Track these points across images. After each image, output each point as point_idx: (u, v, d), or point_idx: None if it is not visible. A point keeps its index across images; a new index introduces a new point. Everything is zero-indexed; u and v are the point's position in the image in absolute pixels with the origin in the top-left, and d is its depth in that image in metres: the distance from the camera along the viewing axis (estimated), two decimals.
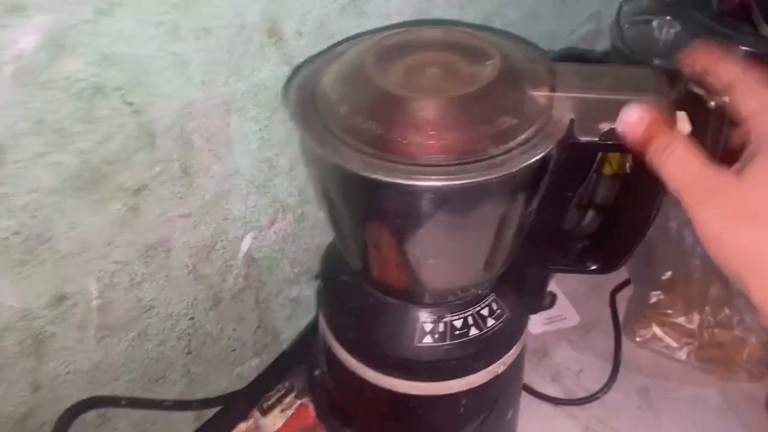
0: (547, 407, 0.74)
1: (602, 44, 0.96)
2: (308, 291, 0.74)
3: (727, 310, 0.74)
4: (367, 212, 0.44)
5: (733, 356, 0.75)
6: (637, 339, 0.79)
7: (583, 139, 0.43)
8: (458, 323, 0.49)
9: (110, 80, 0.46)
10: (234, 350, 0.71)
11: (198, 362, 0.67)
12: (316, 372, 0.59)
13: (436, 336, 0.49)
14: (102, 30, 0.44)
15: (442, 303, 0.49)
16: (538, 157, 0.40)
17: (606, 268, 0.52)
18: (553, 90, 0.43)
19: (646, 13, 0.92)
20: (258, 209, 0.63)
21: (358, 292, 0.50)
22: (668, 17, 0.85)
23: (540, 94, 0.42)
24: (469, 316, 0.49)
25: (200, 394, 0.69)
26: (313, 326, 0.70)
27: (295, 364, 0.63)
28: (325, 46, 0.59)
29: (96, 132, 0.48)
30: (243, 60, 0.54)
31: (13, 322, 0.50)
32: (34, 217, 0.47)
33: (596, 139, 0.43)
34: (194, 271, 0.62)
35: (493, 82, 0.41)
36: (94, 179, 0.49)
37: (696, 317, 0.76)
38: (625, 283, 0.85)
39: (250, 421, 0.62)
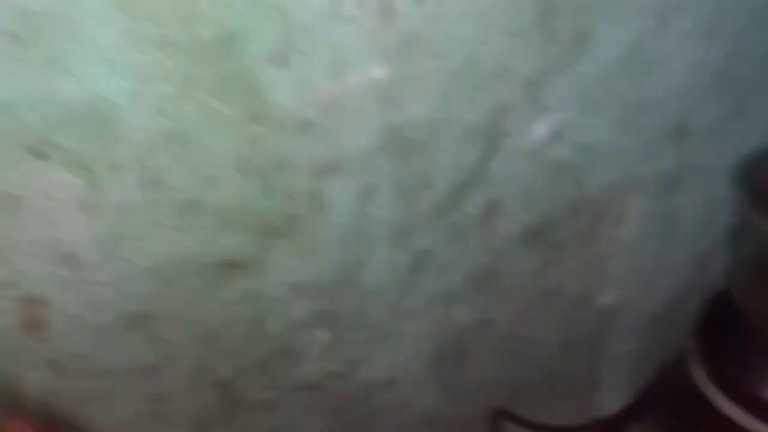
0: None
1: None
2: (641, 347, 0.84)
3: None
4: None
5: None
6: None
7: None
8: None
9: (572, 161, 0.61)
10: (569, 388, 0.82)
11: (544, 392, 0.80)
12: (674, 420, 0.68)
13: None
14: (584, 125, 0.59)
15: None
16: None
17: None
18: None
19: None
20: (622, 272, 0.75)
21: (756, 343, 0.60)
22: None
23: None
24: None
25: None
26: (662, 378, 0.79)
27: (646, 413, 0.72)
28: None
29: (549, 199, 0.62)
30: (651, 151, 0.67)
31: (454, 336, 0.65)
32: (494, 257, 0.63)
33: None
34: (566, 318, 0.74)
35: None
36: (535, 233, 0.64)
37: None
38: None
39: None
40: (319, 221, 0.51)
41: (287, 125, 0.46)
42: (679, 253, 0.77)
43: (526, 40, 0.51)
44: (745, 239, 0.59)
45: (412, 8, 0.45)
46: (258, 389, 0.58)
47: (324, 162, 0.48)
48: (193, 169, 0.44)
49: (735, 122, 0.70)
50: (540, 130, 0.56)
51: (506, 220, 0.61)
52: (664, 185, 0.70)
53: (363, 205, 0.52)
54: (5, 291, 0.44)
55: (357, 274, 0.55)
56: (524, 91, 0.53)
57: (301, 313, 0.55)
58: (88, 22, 0.37)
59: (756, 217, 0.54)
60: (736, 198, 0.57)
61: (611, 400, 0.85)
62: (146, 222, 0.45)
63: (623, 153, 0.64)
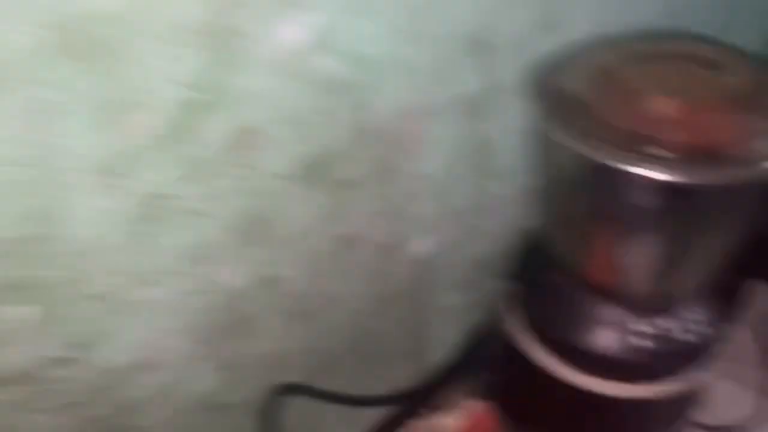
0: None
1: None
2: (467, 298, 0.76)
3: None
4: (606, 208, 0.46)
5: None
6: None
7: None
8: (665, 326, 0.50)
9: (349, 77, 0.50)
10: (395, 350, 0.73)
11: (362, 359, 0.70)
12: (496, 375, 0.60)
13: (644, 338, 0.50)
14: (354, 31, 0.48)
15: (654, 307, 0.50)
16: None
17: None
18: None
19: None
20: (434, 215, 0.66)
21: (568, 292, 0.52)
22: None
23: None
24: (677, 321, 0.50)
25: (361, 391, 0.72)
26: (482, 332, 0.72)
27: (467, 369, 0.64)
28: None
29: (327, 126, 0.51)
30: (447, 70, 0.57)
31: (226, 301, 0.53)
32: (262, 200, 0.51)
33: None
34: (373, 270, 0.64)
35: (750, 92, 0.43)
36: (316, 169, 0.53)
37: None
38: None
39: (427, 420, 0.64)
40: None
41: None
42: (497, 188, 0.69)
43: None
44: (544, 161, 0.51)
45: None
46: None
47: None
48: None
49: (545, 36, 0.61)
50: (289, 32, 0.45)
51: (270, 152, 0.49)
52: (469, 111, 0.61)
53: (44, 130, 0.38)
54: None
55: (56, 227, 0.42)
56: None
57: None
58: None
59: (552, 132, 0.45)
60: (532, 112, 0.48)
61: (444, 359, 0.76)
62: None
63: (414, 71, 0.54)
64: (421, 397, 0.65)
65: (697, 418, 0.74)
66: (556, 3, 0.61)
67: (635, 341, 0.49)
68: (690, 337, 0.50)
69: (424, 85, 0.56)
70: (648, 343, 0.49)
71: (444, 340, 0.77)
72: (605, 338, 0.50)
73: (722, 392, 0.76)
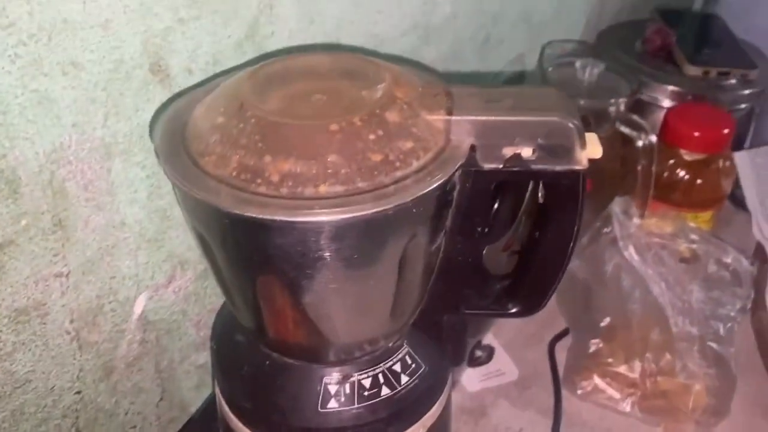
0: None
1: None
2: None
3: (668, 356, 0.70)
4: (250, 259, 0.39)
5: (678, 405, 0.71)
6: (579, 392, 0.73)
7: (487, 166, 0.38)
8: (367, 382, 0.43)
9: None
10: (134, 427, 0.63)
11: None
12: None
13: (343, 399, 0.43)
14: None
15: (348, 360, 0.43)
16: (434, 186, 0.35)
17: (527, 309, 0.47)
18: (450, 113, 0.38)
19: (569, 55, 0.91)
20: (152, 265, 0.57)
21: (253, 353, 0.44)
22: (591, 58, 0.84)
23: (436, 118, 0.38)
24: (379, 373, 0.43)
25: None
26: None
27: None
28: None
29: None
30: (123, 99, 0.49)
31: None
32: None
33: (500, 165, 0.38)
34: (78, 338, 0.55)
35: (383, 106, 0.37)
36: None
37: (637, 365, 0.72)
38: (564, 333, 0.80)
39: None
40: None
41: None
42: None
43: None
44: (185, 212, 0.43)
45: None
46: None
47: None
48: None
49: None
50: None
51: None
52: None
53: None
54: None
55: None
56: None
57: None
58: None
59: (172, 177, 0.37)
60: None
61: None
62: None
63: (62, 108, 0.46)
64: None
65: None
66: None
67: (336, 404, 0.42)
68: (400, 389, 0.43)
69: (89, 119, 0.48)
70: (353, 404, 0.42)
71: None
72: (300, 405, 0.43)
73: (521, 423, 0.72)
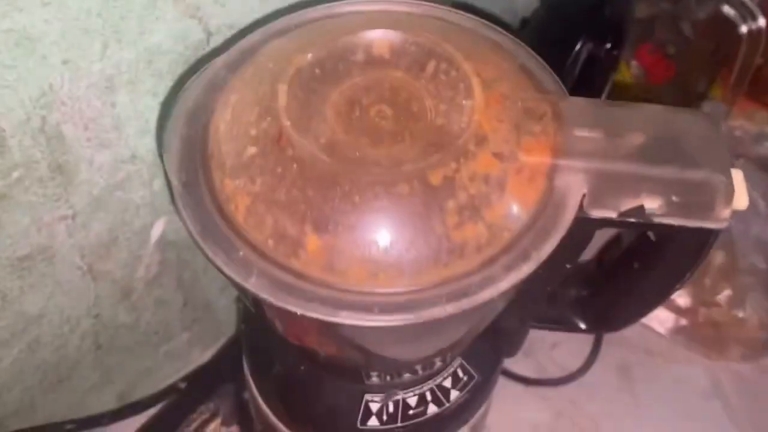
0: (515, 387, 0.66)
1: None
2: None
3: (728, 291, 0.65)
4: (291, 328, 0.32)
5: (727, 335, 0.67)
6: None
7: (596, 214, 0.29)
8: (413, 401, 0.38)
9: None
10: (156, 332, 0.60)
11: (112, 353, 0.57)
12: (245, 395, 0.49)
13: (385, 418, 0.38)
14: None
15: (394, 380, 0.38)
16: (530, 272, 0.27)
17: (598, 328, 0.41)
18: (558, 150, 0.29)
19: None
20: (167, 190, 0.50)
21: (285, 354, 0.39)
22: None
23: (539, 162, 0.28)
24: (427, 391, 0.38)
25: (120, 380, 0.60)
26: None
27: (220, 381, 0.52)
28: None
29: None
30: (124, 22, 0.39)
31: None
32: None
33: (614, 216, 0.30)
34: (91, 271, 0.50)
35: (469, 154, 0.27)
36: None
37: (692, 290, 0.67)
38: (612, 242, 0.74)
39: None
40: None
41: None
42: None
43: None
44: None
45: None
46: None
47: None
48: None
49: None
50: None
51: None
52: None
53: None
54: None
55: None
56: None
57: None
58: None
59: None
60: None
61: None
62: None
63: None
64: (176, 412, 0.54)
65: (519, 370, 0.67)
66: None
67: (377, 423, 0.38)
68: (449, 405, 0.39)
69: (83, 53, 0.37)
70: (395, 422, 0.38)
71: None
72: (338, 419, 0.38)
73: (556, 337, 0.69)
